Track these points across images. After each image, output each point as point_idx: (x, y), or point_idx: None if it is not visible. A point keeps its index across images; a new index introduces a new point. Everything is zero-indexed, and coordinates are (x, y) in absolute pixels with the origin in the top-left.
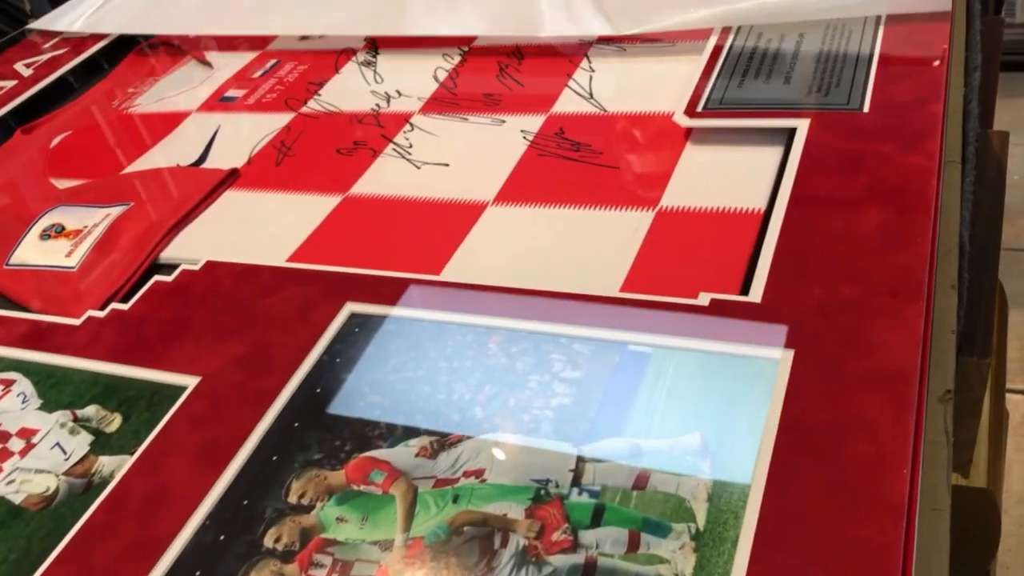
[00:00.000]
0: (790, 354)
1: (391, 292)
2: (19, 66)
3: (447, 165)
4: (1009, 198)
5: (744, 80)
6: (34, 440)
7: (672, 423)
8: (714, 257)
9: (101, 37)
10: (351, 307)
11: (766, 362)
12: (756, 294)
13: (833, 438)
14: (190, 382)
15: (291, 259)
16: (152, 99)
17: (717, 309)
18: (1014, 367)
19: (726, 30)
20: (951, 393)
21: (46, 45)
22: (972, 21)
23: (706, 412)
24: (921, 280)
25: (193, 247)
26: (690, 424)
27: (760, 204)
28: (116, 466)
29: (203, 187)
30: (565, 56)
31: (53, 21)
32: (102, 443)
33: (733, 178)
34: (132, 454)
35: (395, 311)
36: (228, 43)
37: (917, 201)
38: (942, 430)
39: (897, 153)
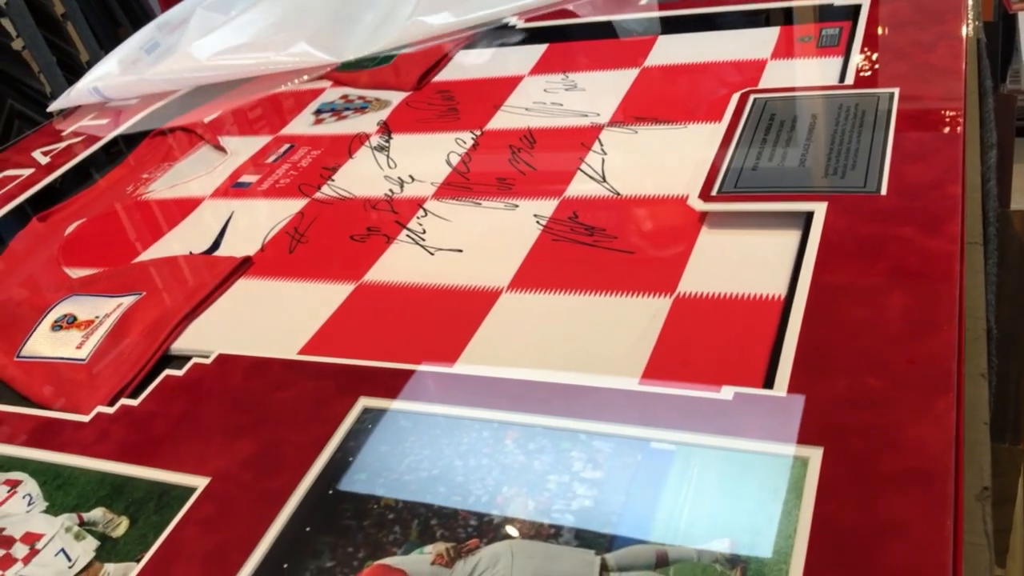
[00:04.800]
0: (819, 452)
1: (405, 385)
2: (36, 154)
3: (461, 251)
4: None
5: (758, 163)
6: (38, 546)
7: (699, 527)
8: (735, 346)
9: (116, 126)
10: (364, 402)
11: (794, 461)
12: (780, 387)
13: (868, 543)
14: (199, 483)
15: (303, 351)
16: (166, 185)
17: (741, 403)
18: None
19: (738, 111)
20: (988, 491)
21: (65, 132)
22: (985, 98)
23: (734, 516)
24: (950, 371)
25: (205, 338)
26: (718, 529)
27: (780, 290)
28: (122, 574)
29: (216, 276)
30: (577, 139)
31: (66, 100)
32: (108, 549)
33: (751, 263)
34: (138, 561)
35: (409, 405)
36: (243, 127)
37: (941, 287)
38: (982, 531)
39: (918, 237)
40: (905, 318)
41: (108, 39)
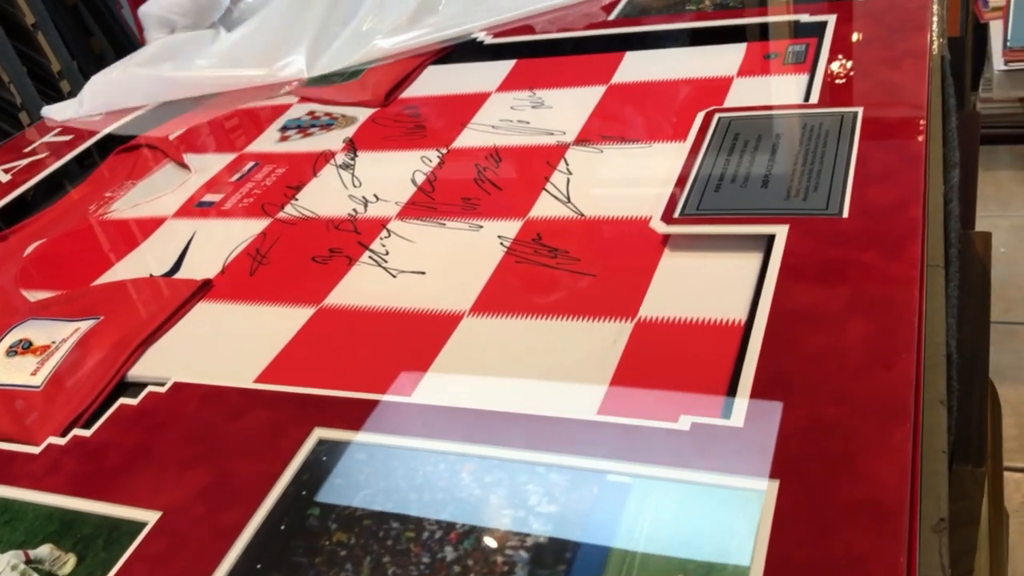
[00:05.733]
0: (775, 485)
1: (361, 415)
2: None
3: (423, 273)
4: (999, 272)
5: (721, 183)
6: None
7: (655, 562)
8: (695, 374)
9: (81, 141)
10: (319, 433)
11: (751, 494)
12: (738, 417)
13: None
14: (150, 517)
15: (260, 379)
16: (129, 204)
17: (699, 434)
18: (1012, 444)
19: (702, 129)
20: (945, 522)
21: (26, 149)
22: (948, 117)
23: (690, 550)
24: (907, 399)
25: (161, 365)
26: (673, 564)
27: (740, 315)
28: None
29: (174, 300)
30: (542, 157)
31: (63, 111)
32: None
33: (712, 287)
34: None
35: (365, 437)
36: (207, 144)
37: (901, 313)
38: (938, 564)
39: (878, 261)
40: (864, 345)
41: (80, 49)
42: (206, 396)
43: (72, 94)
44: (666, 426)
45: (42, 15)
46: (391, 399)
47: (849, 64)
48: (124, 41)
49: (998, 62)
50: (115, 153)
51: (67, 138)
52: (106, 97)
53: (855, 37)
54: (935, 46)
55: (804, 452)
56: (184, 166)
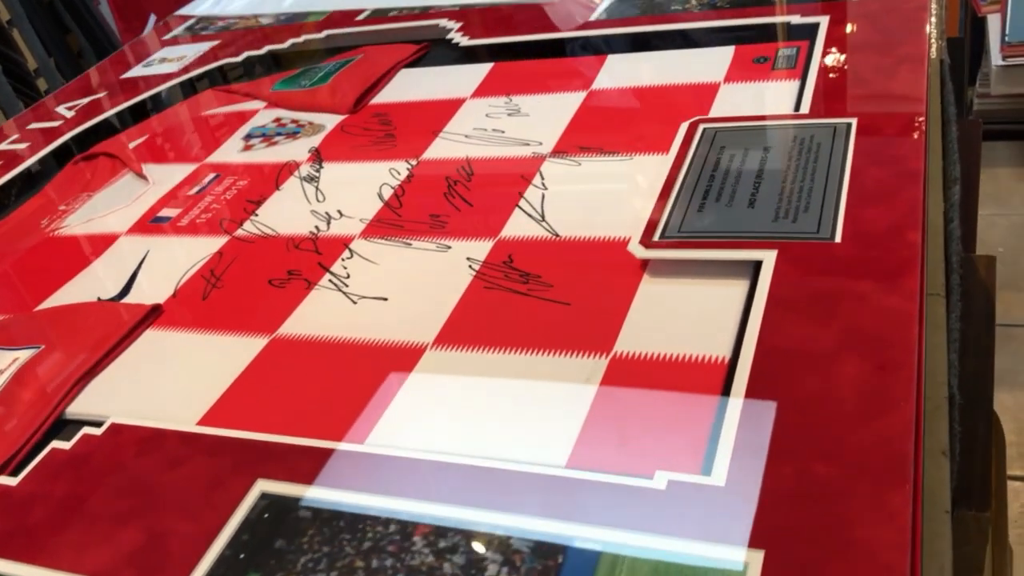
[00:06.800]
0: (759, 556)
1: (308, 465)
2: None
3: (386, 299)
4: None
5: (705, 203)
6: None
7: None
8: (673, 419)
9: (41, 147)
10: (262, 485)
11: (732, 566)
12: (719, 474)
13: None
14: None
15: (204, 420)
16: (82, 219)
17: (676, 494)
18: (1011, 452)
19: (686, 142)
20: None
21: None
22: (948, 127)
23: None
24: (907, 456)
25: (101, 401)
26: None
27: (724, 352)
28: None
29: (120, 328)
30: (517, 170)
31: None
32: None
33: (694, 319)
34: None
35: (311, 491)
36: (168, 153)
37: (898, 353)
38: None
39: (874, 293)
40: (859, 390)
41: (57, 46)
42: (145, 440)
43: (48, 92)
44: (641, 483)
45: (17, 12)
46: (342, 447)
47: (843, 70)
48: (102, 38)
49: (996, 57)
50: (73, 162)
51: (24, 146)
52: None
53: (849, 40)
54: (934, 49)
55: (791, 518)
56: (143, 177)
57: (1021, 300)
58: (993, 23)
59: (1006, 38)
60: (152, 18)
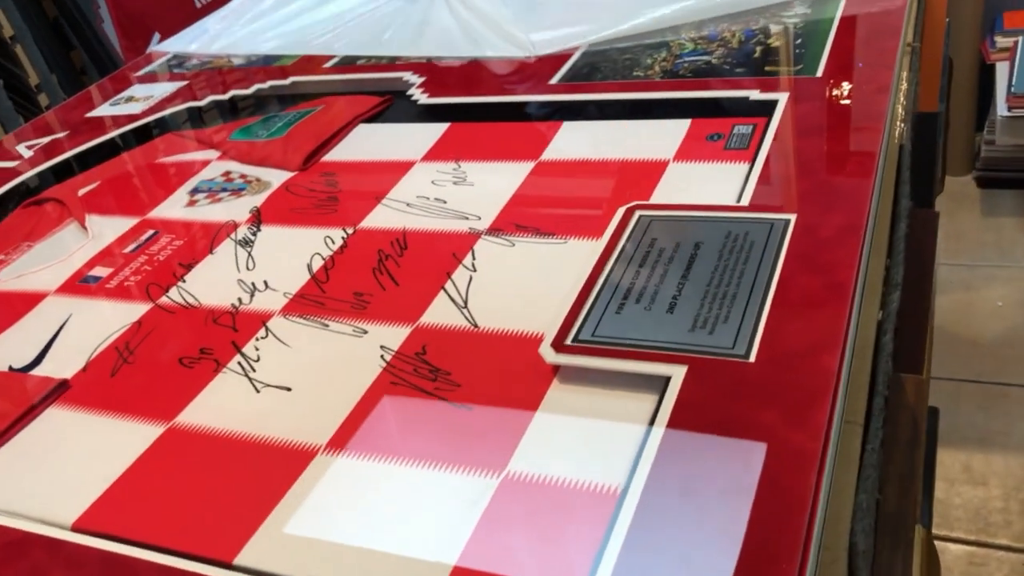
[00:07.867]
0: None
1: None
2: None
3: (290, 389)
4: (993, 328)
5: (624, 303)
6: None
7: None
8: (552, 560)
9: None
10: None
11: None
12: None
13: None
14: None
15: (79, 522)
16: (14, 274)
17: None
18: (997, 519)
19: (619, 228)
20: None
21: None
22: (897, 223)
23: None
24: None
25: None
26: None
27: (619, 480)
28: None
29: (20, 405)
30: (449, 249)
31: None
32: None
33: (596, 437)
34: None
35: None
36: (114, 204)
37: (791, 500)
38: None
39: (779, 426)
40: (746, 543)
41: (59, 63)
42: (10, 546)
43: (50, 108)
44: None
45: (20, 28)
46: (208, 566)
47: (791, 157)
48: (104, 56)
49: (1002, 107)
50: (23, 206)
51: None
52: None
53: (802, 124)
54: (897, 133)
55: None
56: (84, 229)
57: (1016, 357)
58: (1001, 71)
59: (1012, 88)
60: (156, 37)
